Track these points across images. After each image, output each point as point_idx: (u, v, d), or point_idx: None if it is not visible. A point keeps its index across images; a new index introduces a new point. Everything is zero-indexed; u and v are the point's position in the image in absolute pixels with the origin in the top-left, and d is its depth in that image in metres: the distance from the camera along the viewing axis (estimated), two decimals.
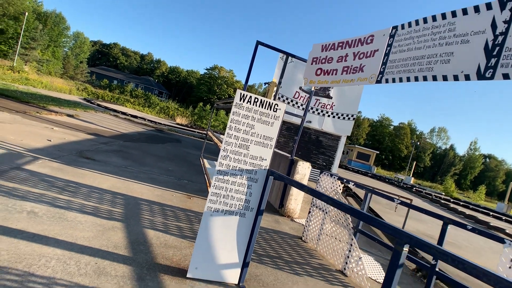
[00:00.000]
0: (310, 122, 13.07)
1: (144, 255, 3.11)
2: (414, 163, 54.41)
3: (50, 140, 7.31)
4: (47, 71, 40.83)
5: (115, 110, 23.77)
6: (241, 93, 2.98)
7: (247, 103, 3.00)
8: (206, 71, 74.98)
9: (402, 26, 3.66)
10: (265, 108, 3.05)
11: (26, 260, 2.54)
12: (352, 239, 4.07)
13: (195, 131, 25.77)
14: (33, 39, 39.09)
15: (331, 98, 13.12)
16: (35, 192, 4.01)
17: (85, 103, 24.01)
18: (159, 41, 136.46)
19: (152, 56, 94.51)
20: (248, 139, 3.00)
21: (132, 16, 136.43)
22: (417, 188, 28.89)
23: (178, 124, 30.24)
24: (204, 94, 69.48)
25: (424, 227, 9.21)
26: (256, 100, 3.03)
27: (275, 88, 9.56)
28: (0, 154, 5.23)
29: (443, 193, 33.59)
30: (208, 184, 3.89)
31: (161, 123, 23.57)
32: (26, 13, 35.57)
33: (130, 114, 23.15)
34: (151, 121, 23.02)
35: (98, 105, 25.13)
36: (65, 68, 50.05)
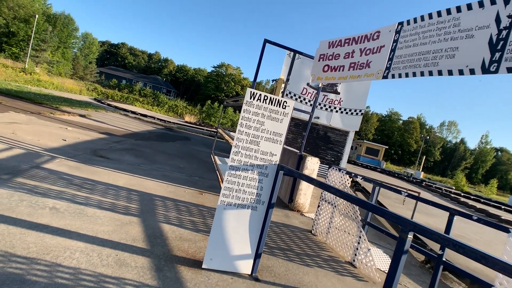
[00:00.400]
0: (318, 118, 13.11)
1: (161, 248, 3.26)
2: (424, 158, 53.79)
3: (65, 140, 7.56)
4: (57, 72, 41.60)
5: (125, 110, 24.15)
6: (251, 91, 3.09)
7: (257, 100, 3.11)
8: (214, 69, 75.31)
9: (408, 22, 3.72)
10: (274, 105, 3.16)
11: (53, 252, 2.71)
12: (361, 232, 4.16)
13: (203, 129, 26.01)
14: (43, 41, 39.81)
15: (339, 93, 13.11)
16: (55, 189, 4.21)
17: (96, 103, 24.44)
18: (167, 40, 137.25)
19: (159, 55, 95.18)
20: (259, 135, 3.12)
21: (139, 15, 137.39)
22: (427, 183, 28.66)
23: (186, 122, 30.55)
24: (211, 92, 69.82)
25: (433, 221, 9.21)
26: (265, 97, 3.14)
27: (282, 85, 9.64)
28: (20, 154, 5.46)
29: (454, 187, 33.23)
30: (220, 180, 4.03)
31: (170, 122, 23.86)
32: (37, 16, 36.21)
33: (139, 113, 23.48)
34: (161, 120, 23.31)
35: (108, 104, 25.55)
36: (75, 69, 50.87)
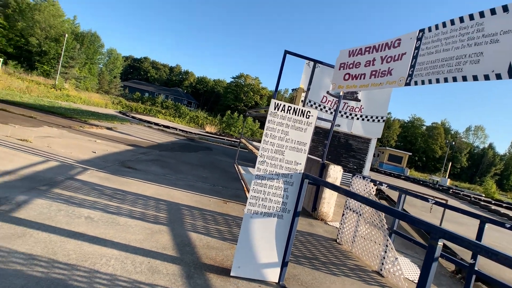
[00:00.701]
0: (339, 125, 13.03)
1: (190, 256, 3.37)
2: (450, 164, 51.69)
3: (95, 152, 7.92)
4: (84, 87, 43.61)
5: (148, 122, 24.92)
6: (275, 103, 3.19)
7: (281, 111, 3.20)
8: (233, 79, 76.49)
9: (429, 29, 3.72)
10: (298, 116, 3.23)
11: (90, 259, 2.88)
12: (388, 240, 4.11)
13: (224, 139, 26.36)
14: (72, 58, 42.01)
15: (359, 101, 13.02)
16: (89, 199, 4.44)
17: (121, 116, 25.40)
18: (187, 53, 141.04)
19: (180, 68, 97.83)
20: (283, 145, 3.20)
21: (160, 30, 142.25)
22: (454, 190, 27.50)
23: (207, 132, 31.08)
24: (231, 102, 70.78)
25: (463, 229, 8.86)
26: (289, 108, 3.22)
27: (302, 94, 9.71)
28: (56, 166, 5.79)
29: (483, 195, 31.65)
30: (245, 189, 4.12)
31: (191, 132, 24.38)
32: (66, 35, 38.32)
33: (162, 125, 24.16)
34: (182, 131, 23.86)
35: (133, 117, 26.47)
36: (100, 83, 53.15)
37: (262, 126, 48.36)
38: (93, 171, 6.04)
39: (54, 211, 3.77)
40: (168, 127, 23.93)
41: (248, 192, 3.72)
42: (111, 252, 3.10)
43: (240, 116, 46.08)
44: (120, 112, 29.54)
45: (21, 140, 7.13)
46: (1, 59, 29.54)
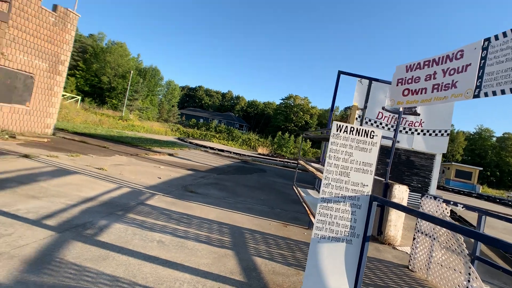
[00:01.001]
0: (398, 142, 12.30)
1: (257, 281, 3.36)
2: None
3: (160, 178, 8.49)
4: (146, 117, 47.64)
5: (204, 146, 26.15)
6: (337, 124, 3.15)
7: (343, 132, 3.15)
8: (282, 101, 77.56)
9: (496, 37, 3.43)
10: (361, 136, 3.14)
11: (166, 283, 3.02)
12: (470, 268, 3.67)
13: (276, 160, 26.45)
14: (136, 91, 46.47)
15: (419, 115, 12.20)
16: (159, 223, 4.73)
17: (180, 142, 27.06)
18: (238, 79, 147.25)
19: (231, 94, 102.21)
20: (348, 166, 3.11)
21: (213, 60, 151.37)
22: None
23: (260, 154, 31.52)
24: (281, 123, 71.38)
25: None
26: (352, 129, 3.16)
27: (357, 112, 9.44)
28: (128, 192, 6.32)
29: None
30: (309, 213, 4.05)
31: (245, 155, 24.93)
32: (132, 72, 42.69)
33: (217, 149, 25.15)
34: (236, 153, 24.54)
35: (190, 142, 28.03)
36: (160, 113, 57.62)
37: (314, 145, 47.64)
38: (160, 196, 6.46)
39: (130, 235, 4.07)
40: (222, 150, 24.80)
41: (312, 215, 3.65)
42: (183, 276, 3.23)
43: (291, 137, 46.06)
44: (178, 138, 31.51)
45: (98, 168, 7.95)
46: (79, 97, 33.76)
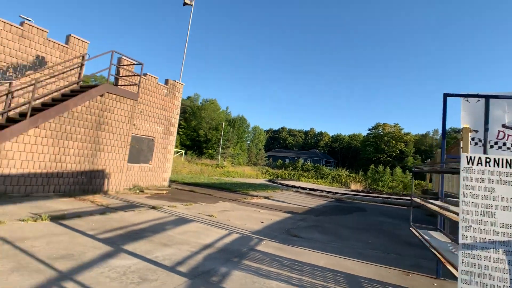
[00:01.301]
0: None
1: None
2: None
3: (263, 222, 8.70)
4: (238, 162, 50.80)
5: (294, 186, 26.15)
6: (467, 156, 2.82)
7: (477, 165, 2.79)
8: (369, 131, 73.68)
9: None
10: (503, 167, 2.73)
11: None
12: None
13: (374, 196, 24.55)
14: (227, 140, 50.60)
15: None
16: (273, 271, 4.76)
17: (271, 184, 27.73)
18: (319, 116, 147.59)
19: (314, 131, 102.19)
20: (491, 204, 2.69)
21: (294, 102, 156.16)
22: None
23: (353, 191, 29.82)
24: (371, 155, 67.14)
25: None
26: (487, 160, 2.78)
27: (470, 134, 8.29)
28: (238, 238, 6.61)
29: None
30: (444, 261, 3.55)
31: (337, 193, 23.93)
32: (223, 123, 47.00)
33: (308, 188, 24.84)
34: (328, 192, 23.74)
35: (281, 183, 28.44)
36: (249, 157, 60.76)
37: (416, 177, 42.82)
38: (267, 242, 6.57)
39: (250, 283, 4.18)
40: (314, 189, 24.35)
41: (450, 264, 3.17)
42: None
43: (386, 169, 42.56)
44: (269, 180, 32.36)
45: (209, 216, 8.63)
46: (183, 151, 38.34)
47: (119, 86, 11.51)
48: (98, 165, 10.45)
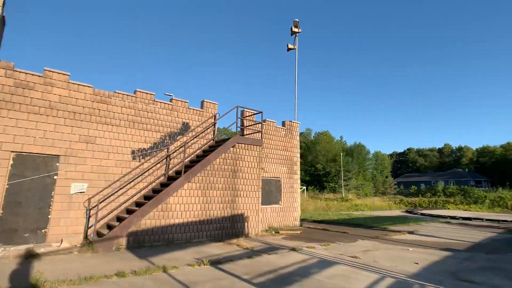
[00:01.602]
0: None
1: None
2: None
3: (417, 263, 7.53)
4: (363, 194, 47.28)
5: (441, 216, 22.27)
6: None
7: None
8: None
9: None
10: None
11: None
12: None
13: None
14: (348, 171, 48.31)
15: None
16: None
17: (410, 215, 24.37)
18: (453, 129, 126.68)
19: (450, 147, 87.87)
20: None
21: (415, 119, 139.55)
22: None
23: None
24: None
25: None
26: None
27: None
28: (394, 283, 5.84)
29: None
30: None
31: (506, 221, 19.04)
32: (341, 154, 45.55)
33: (460, 217, 20.69)
34: (491, 220, 19.18)
35: (422, 214, 24.66)
36: (376, 186, 55.92)
37: None
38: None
39: None
40: (469, 218, 20.11)
41: None
42: None
43: None
44: (406, 211, 28.61)
45: (351, 257, 8.05)
46: (304, 187, 38.48)
47: (245, 136, 12.68)
48: (237, 210, 11.39)
